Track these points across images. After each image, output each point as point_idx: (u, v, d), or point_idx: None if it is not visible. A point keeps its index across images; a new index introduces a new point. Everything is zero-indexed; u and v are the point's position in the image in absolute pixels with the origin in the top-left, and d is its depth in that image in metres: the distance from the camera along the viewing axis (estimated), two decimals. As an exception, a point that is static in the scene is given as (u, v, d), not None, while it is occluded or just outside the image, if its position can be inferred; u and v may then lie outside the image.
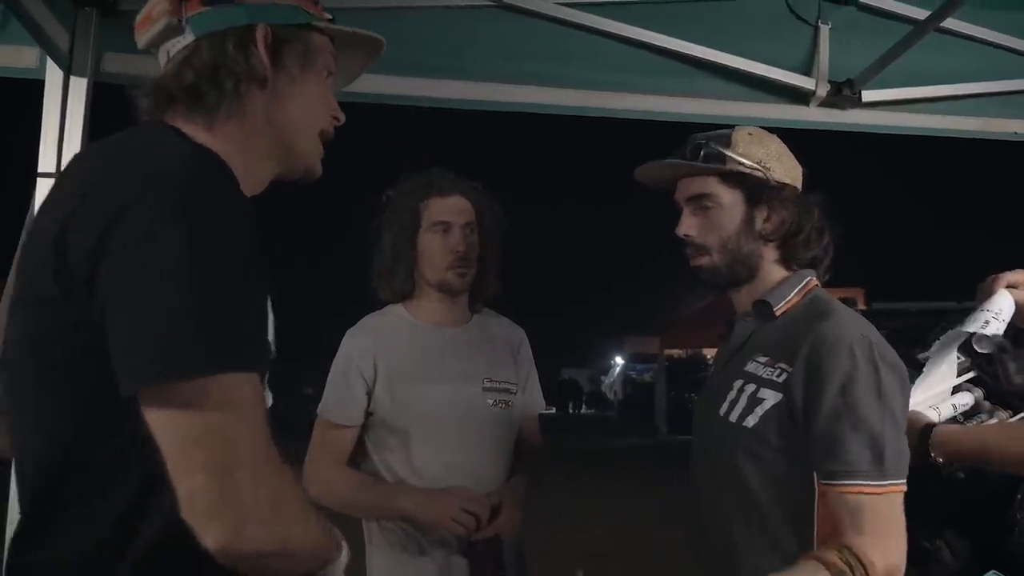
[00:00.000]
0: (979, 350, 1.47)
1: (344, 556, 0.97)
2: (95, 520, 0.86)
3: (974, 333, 1.45)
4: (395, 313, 1.93)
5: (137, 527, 0.86)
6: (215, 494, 0.78)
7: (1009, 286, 1.48)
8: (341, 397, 1.84)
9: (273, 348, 1.03)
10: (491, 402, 1.87)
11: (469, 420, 1.83)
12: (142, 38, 1.03)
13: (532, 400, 2.00)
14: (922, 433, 1.41)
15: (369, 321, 1.93)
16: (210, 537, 0.78)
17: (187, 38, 1.00)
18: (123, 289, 0.80)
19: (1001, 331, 1.45)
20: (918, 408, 1.45)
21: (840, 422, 1.22)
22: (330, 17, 1.10)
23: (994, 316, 1.45)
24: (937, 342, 1.51)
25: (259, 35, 1.00)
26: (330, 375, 1.89)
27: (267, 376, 1.01)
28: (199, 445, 0.79)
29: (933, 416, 1.46)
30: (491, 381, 1.88)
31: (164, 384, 0.78)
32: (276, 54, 1.02)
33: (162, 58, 1.03)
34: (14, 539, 0.90)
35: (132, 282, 0.80)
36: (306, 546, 0.89)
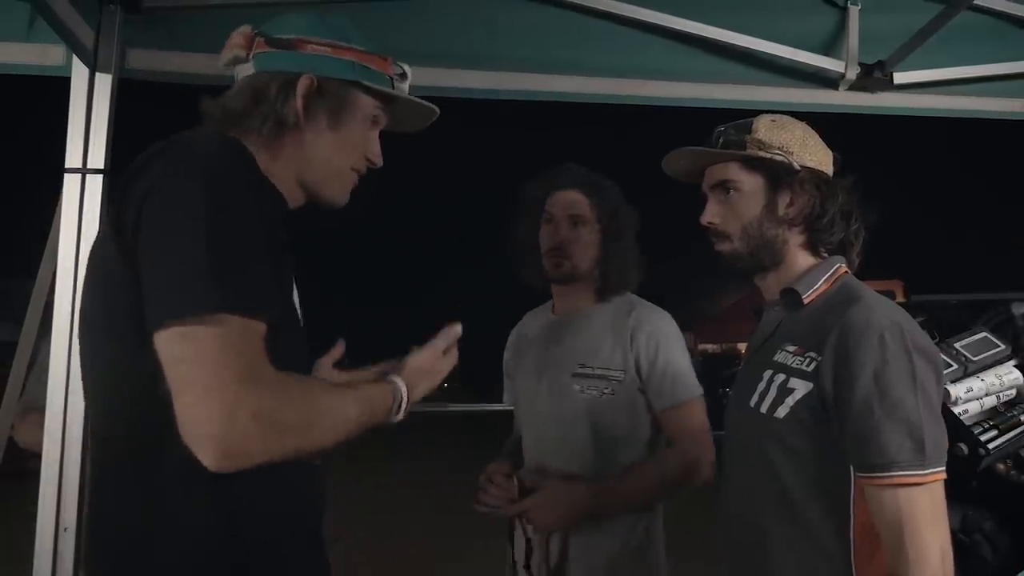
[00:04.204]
0: (1015, 312, 1.54)
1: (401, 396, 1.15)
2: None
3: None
4: (544, 305, 2.09)
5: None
6: (203, 412, 0.88)
7: None
8: (504, 385, 2.14)
9: (300, 316, 1.16)
10: (578, 388, 1.85)
11: (558, 407, 1.88)
12: (222, 59, 1.20)
13: (660, 390, 1.84)
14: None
15: (526, 316, 2.14)
16: (203, 457, 0.89)
17: (250, 69, 1.16)
18: (150, 246, 0.95)
19: None
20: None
21: (875, 412, 1.19)
22: (401, 71, 1.24)
23: None
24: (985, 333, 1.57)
25: (301, 84, 1.14)
26: None
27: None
28: (190, 368, 0.89)
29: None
30: (584, 367, 1.86)
31: (174, 321, 0.91)
32: (313, 103, 1.15)
33: (237, 77, 1.20)
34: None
35: (156, 239, 0.95)
36: (312, 442, 0.99)
